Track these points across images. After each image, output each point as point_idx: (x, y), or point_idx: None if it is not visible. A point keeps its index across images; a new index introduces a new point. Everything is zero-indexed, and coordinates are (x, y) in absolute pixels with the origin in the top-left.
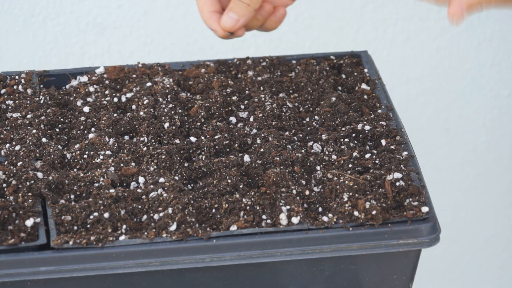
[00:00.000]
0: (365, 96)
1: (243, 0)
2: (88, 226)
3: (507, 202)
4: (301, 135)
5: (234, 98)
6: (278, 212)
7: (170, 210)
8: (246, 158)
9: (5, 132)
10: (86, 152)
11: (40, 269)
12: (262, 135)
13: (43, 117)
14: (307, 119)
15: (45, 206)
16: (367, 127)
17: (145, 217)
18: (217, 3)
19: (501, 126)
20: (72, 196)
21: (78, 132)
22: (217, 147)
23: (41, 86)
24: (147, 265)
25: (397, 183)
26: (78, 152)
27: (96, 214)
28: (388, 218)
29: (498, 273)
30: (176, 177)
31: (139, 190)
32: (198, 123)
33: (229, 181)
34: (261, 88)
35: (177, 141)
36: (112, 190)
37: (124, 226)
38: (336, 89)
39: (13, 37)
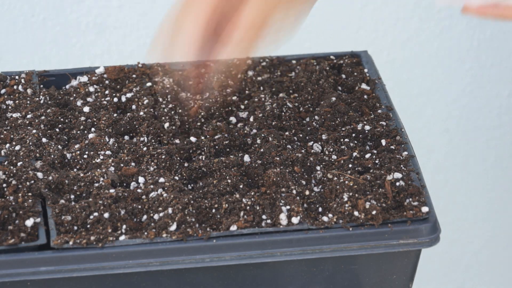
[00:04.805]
0: (365, 96)
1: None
2: (88, 226)
3: (507, 202)
4: (301, 135)
5: (234, 98)
6: (278, 212)
7: (170, 210)
8: (246, 158)
9: (5, 132)
10: (86, 152)
11: (40, 269)
12: (262, 135)
13: (43, 117)
14: (307, 119)
15: (45, 206)
16: (367, 127)
17: (145, 217)
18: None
19: (501, 126)
20: (72, 196)
21: (78, 132)
22: (217, 147)
23: (41, 86)
24: (147, 265)
25: (397, 183)
26: (78, 152)
27: (96, 214)
28: (388, 218)
29: (498, 273)
30: (176, 177)
31: (139, 190)
32: (198, 123)
33: (229, 181)
34: (261, 88)
35: (177, 141)
36: (112, 190)
37: (124, 226)
38: (336, 89)
39: (13, 37)
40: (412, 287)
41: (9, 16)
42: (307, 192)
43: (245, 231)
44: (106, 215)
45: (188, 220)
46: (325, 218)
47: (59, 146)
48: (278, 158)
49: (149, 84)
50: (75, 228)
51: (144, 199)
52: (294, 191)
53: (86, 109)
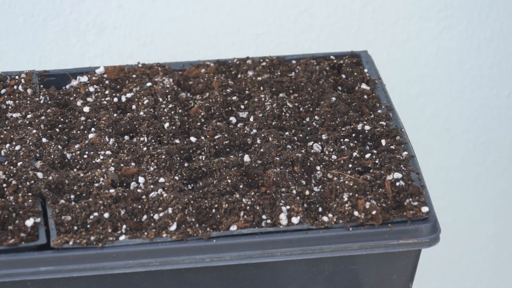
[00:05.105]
0: (365, 96)
1: None
2: (88, 226)
3: (507, 202)
4: (301, 135)
5: (234, 98)
6: (278, 212)
7: (170, 210)
8: (246, 158)
9: (5, 132)
10: (86, 152)
11: (40, 269)
12: (262, 135)
13: (43, 117)
14: (307, 119)
15: (45, 206)
16: (367, 127)
17: (145, 217)
18: None
19: (501, 126)
20: (72, 196)
21: (78, 132)
22: (217, 147)
23: (41, 86)
24: (147, 265)
25: (397, 183)
26: (78, 152)
27: (96, 214)
28: (388, 218)
29: (498, 273)
30: (176, 177)
31: (139, 190)
32: (198, 123)
33: (229, 181)
34: (261, 88)
35: (177, 141)
36: (112, 190)
37: (124, 226)
38: (336, 89)
39: (13, 37)
40: (412, 287)
41: (9, 16)
42: (307, 192)
43: (245, 231)
44: (106, 215)
45: (188, 220)
46: (325, 218)
47: (59, 146)
48: (278, 158)
49: (149, 84)
50: (75, 228)
51: (144, 199)
52: (294, 191)
53: (86, 109)
